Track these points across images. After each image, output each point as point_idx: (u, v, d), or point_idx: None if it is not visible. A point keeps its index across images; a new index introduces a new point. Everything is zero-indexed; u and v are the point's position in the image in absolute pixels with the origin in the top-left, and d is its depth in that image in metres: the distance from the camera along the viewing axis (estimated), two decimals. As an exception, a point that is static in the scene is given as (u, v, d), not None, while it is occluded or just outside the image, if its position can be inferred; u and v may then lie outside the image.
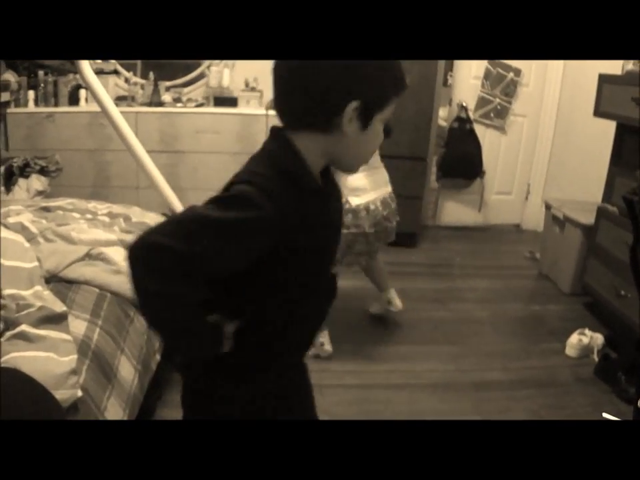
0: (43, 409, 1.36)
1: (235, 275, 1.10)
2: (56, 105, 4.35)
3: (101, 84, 2.82)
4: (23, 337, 1.60)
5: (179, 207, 2.89)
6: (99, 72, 3.98)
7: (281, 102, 1.15)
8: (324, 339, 2.95)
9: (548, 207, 4.25)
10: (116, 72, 4.67)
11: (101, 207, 2.73)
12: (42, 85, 4.31)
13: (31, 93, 4.27)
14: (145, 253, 1.01)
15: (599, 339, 3.14)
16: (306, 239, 1.12)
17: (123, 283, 2.12)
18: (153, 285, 1.01)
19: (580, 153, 4.73)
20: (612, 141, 3.54)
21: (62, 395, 1.47)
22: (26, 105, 4.28)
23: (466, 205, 5.37)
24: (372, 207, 2.87)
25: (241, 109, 4.48)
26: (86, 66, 2.75)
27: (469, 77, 5.07)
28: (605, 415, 2.49)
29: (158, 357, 2.26)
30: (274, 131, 1.17)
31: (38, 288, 1.84)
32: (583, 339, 3.11)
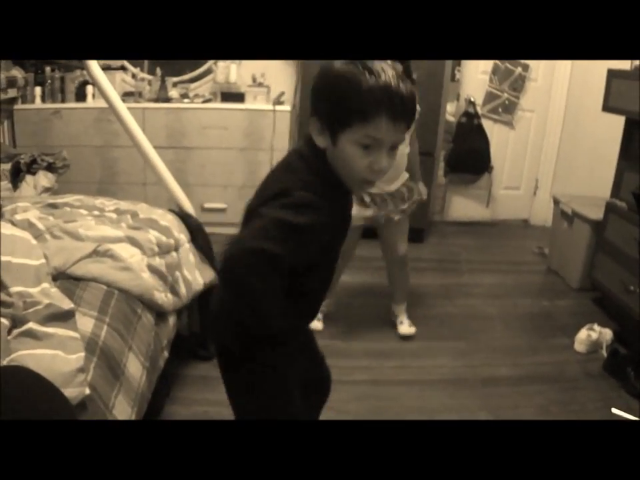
0: (52, 407, 1.36)
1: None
2: (63, 101, 4.35)
3: (108, 80, 2.81)
4: (31, 334, 1.60)
5: (186, 203, 2.88)
6: (106, 68, 3.97)
7: None
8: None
9: (556, 202, 4.23)
10: (123, 68, 4.67)
11: (109, 204, 2.73)
12: (49, 81, 4.31)
13: (38, 89, 4.27)
14: (245, 256, 1.21)
15: (607, 334, 3.13)
16: (334, 229, 1.34)
17: (130, 279, 2.12)
18: (256, 281, 1.22)
19: (588, 148, 4.70)
20: (620, 136, 3.52)
21: (70, 393, 1.46)
22: (33, 101, 4.28)
23: (474, 200, 5.35)
24: None
25: (248, 104, 4.46)
26: (93, 62, 2.75)
27: (476, 72, 5.05)
28: (614, 411, 2.48)
29: (166, 353, 2.26)
30: (308, 138, 1.33)
31: (45, 285, 1.83)
32: (592, 335, 3.10)
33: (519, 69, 5.01)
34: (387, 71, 1.20)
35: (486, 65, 5.02)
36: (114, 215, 2.59)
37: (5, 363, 1.47)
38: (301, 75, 4.51)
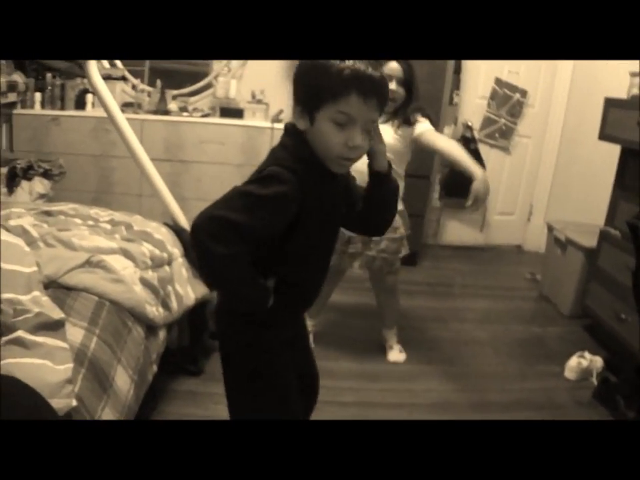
0: (39, 417, 1.34)
1: (272, 241, 1.39)
2: (62, 108, 4.36)
3: (108, 89, 2.81)
4: (19, 342, 1.58)
5: (181, 217, 2.88)
6: (106, 77, 3.98)
7: None
8: None
9: (550, 229, 4.24)
10: (124, 78, 4.67)
11: (103, 214, 2.72)
12: (49, 87, 4.31)
13: (38, 95, 4.27)
14: (210, 223, 1.29)
15: (598, 362, 3.12)
16: (320, 213, 1.41)
17: (122, 292, 2.11)
18: (219, 249, 1.28)
19: (584, 176, 4.72)
20: (616, 164, 3.53)
21: (56, 403, 1.45)
22: (32, 106, 4.28)
23: (468, 224, 5.36)
24: None
25: (246, 120, 4.47)
26: (94, 70, 2.75)
27: (475, 96, 5.08)
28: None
29: (155, 367, 2.24)
30: (287, 126, 1.44)
31: (36, 293, 1.82)
32: (582, 362, 3.09)
33: (517, 95, 5.04)
34: (359, 61, 1.30)
35: (484, 90, 5.05)
36: (108, 226, 2.58)
37: (-9, 371, 1.46)
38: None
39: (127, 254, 2.31)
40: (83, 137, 4.25)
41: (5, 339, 1.58)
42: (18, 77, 4.10)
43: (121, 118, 2.81)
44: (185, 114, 4.48)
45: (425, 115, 2.85)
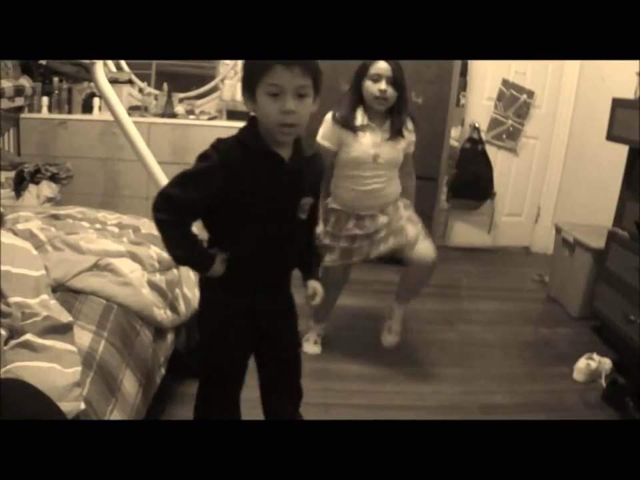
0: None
1: (212, 215, 1.67)
2: (69, 112, 4.38)
3: (115, 93, 2.82)
4: (28, 346, 1.58)
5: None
6: (113, 81, 3.99)
7: None
8: (312, 338, 3.13)
9: (558, 230, 4.22)
10: (130, 82, 4.68)
11: (111, 217, 2.72)
12: (56, 91, 4.34)
13: (45, 99, 4.30)
14: (157, 198, 1.63)
15: (607, 363, 3.10)
16: (254, 189, 1.63)
17: (130, 295, 2.11)
18: (159, 216, 1.61)
19: (591, 177, 4.70)
20: (624, 165, 3.52)
21: (65, 407, 1.44)
22: (39, 110, 4.30)
23: (476, 226, 5.34)
24: None
25: (252, 123, 4.45)
26: (101, 74, 2.76)
27: (482, 97, 5.06)
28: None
29: (163, 370, 2.24)
30: (247, 117, 1.69)
31: (44, 297, 1.82)
32: (591, 364, 3.08)
33: (524, 96, 5.02)
34: None
35: (491, 91, 5.03)
36: (116, 229, 2.58)
37: (0, 374, 1.46)
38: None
39: (134, 257, 2.31)
40: (90, 140, 4.27)
41: (13, 342, 1.59)
42: (25, 81, 4.10)
43: (128, 121, 2.82)
44: (191, 117, 4.49)
45: (412, 120, 2.93)
